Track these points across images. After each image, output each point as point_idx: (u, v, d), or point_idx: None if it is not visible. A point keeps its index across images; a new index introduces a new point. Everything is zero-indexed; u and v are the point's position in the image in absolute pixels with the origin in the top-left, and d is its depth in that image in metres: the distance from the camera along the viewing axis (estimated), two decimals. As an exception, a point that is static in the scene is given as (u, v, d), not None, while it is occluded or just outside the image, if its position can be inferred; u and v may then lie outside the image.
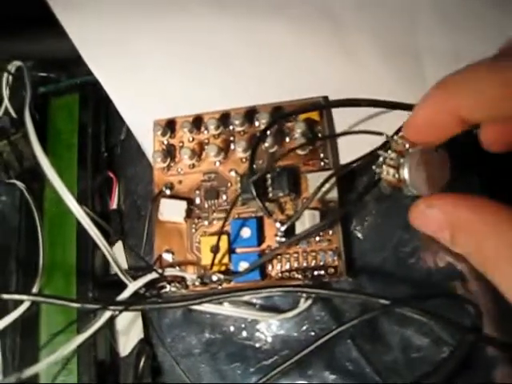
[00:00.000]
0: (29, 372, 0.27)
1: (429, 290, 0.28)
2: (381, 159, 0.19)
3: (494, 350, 0.26)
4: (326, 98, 0.31)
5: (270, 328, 0.29)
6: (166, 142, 0.32)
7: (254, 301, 0.30)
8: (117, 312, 0.27)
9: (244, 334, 0.30)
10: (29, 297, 0.29)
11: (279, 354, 0.29)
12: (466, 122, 0.17)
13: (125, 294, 0.28)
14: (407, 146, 0.18)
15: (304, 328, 0.29)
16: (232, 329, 0.30)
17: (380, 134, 0.20)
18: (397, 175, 0.19)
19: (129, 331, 0.31)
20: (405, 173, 0.18)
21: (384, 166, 0.19)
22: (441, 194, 0.17)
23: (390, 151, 0.19)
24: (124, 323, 0.31)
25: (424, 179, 0.18)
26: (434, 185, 0.18)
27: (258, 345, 0.29)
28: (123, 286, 0.29)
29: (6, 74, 0.34)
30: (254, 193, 0.28)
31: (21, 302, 0.29)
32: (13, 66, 0.33)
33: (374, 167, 0.19)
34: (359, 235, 0.29)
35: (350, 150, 0.30)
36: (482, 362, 0.26)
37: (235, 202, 0.29)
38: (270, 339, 0.29)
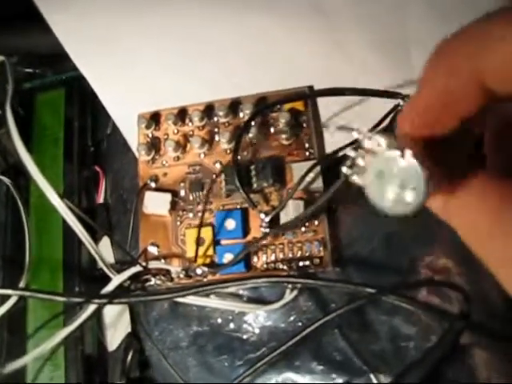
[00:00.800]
0: (14, 365, 0.27)
1: (416, 279, 0.28)
2: (348, 161, 0.15)
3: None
4: (311, 87, 0.30)
5: (257, 319, 0.29)
6: (150, 135, 0.31)
7: (241, 292, 0.29)
8: (101, 305, 0.27)
9: (231, 325, 0.30)
10: (15, 291, 0.29)
11: (267, 345, 0.29)
12: (490, 96, 0.13)
13: (109, 288, 0.28)
14: (383, 144, 0.14)
15: (291, 319, 0.29)
16: (219, 321, 0.30)
17: (352, 129, 0.16)
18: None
19: (116, 325, 0.31)
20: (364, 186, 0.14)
21: (352, 169, 0.15)
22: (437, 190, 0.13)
23: (360, 150, 0.15)
24: (111, 317, 0.31)
25: (387, 196, 0.13)
26: (400, 205, 0.13)
27: (245, 336, 0.29)
28: (109, 280, 0.29)
29: (-12, 70, 0.34)
30: (238, 184, 0.27)
31: (8, 297, 0.29)
32: (-5, 61, 0.33)
33: (342, 168, 0.15)
34: (346, 226, 0.29)
35: (335, 140, 0.29)
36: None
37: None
38: (257, 331, 0.29)
